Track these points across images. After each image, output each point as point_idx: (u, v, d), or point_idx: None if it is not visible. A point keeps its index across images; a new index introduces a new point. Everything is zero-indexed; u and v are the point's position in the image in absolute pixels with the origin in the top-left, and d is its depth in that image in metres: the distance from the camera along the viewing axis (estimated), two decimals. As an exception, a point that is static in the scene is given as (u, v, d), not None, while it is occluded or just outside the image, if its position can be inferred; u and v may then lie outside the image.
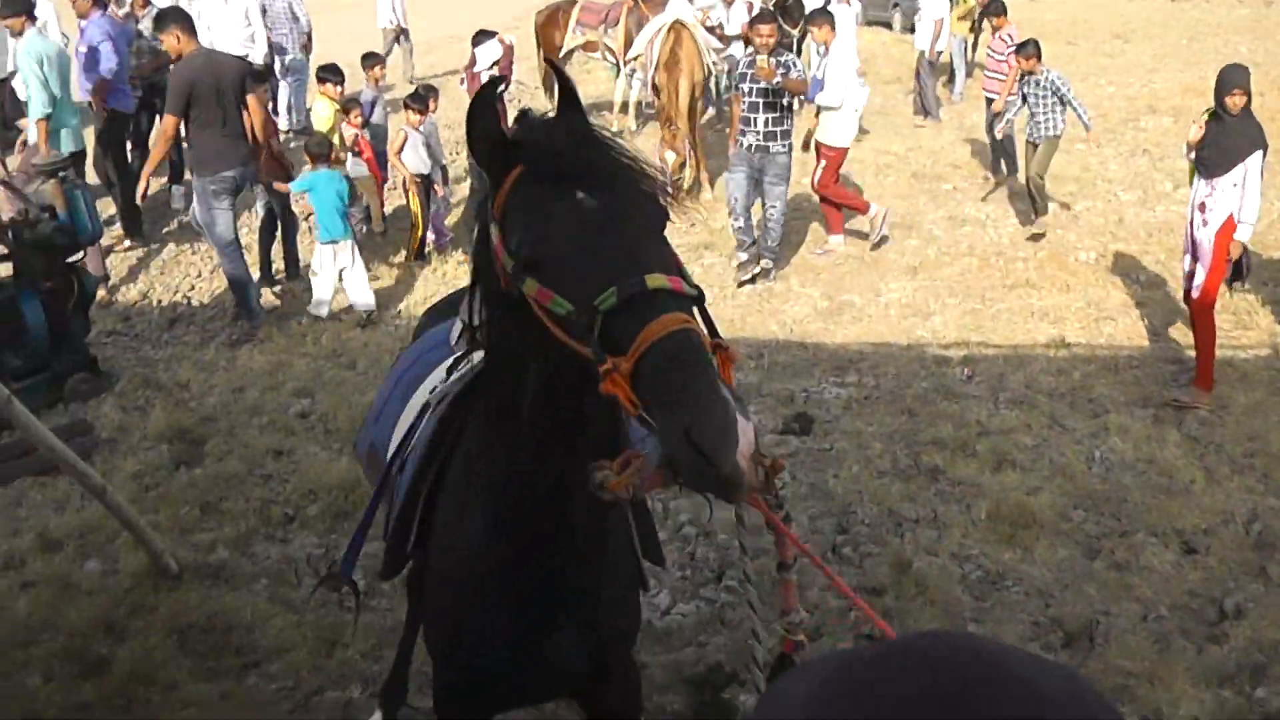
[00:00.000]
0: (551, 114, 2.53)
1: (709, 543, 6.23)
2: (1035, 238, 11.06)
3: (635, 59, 14.20)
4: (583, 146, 2.35)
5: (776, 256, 10.58)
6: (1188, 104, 11.06)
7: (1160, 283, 9.88)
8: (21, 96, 12.18)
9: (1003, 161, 12.95)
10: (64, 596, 5.96)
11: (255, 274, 10.59)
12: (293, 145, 12.17)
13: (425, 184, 11.59)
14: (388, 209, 12.68)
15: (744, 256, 10.41)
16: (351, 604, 5.36)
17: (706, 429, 1.98)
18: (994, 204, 12.21)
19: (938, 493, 6.69)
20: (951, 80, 17.38)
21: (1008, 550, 6.07)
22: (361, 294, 10.28)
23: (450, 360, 3.50)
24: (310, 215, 11.62)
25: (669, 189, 2.48)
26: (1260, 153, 7.69)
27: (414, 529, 3.16)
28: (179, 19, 9.50)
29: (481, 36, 11.48)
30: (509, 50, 11.48)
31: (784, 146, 10.15)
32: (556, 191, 2.27)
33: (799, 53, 14.07)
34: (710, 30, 13.23)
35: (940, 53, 16.35)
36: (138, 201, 11.15)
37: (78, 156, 10.68)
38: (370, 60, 12.57)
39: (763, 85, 9.87)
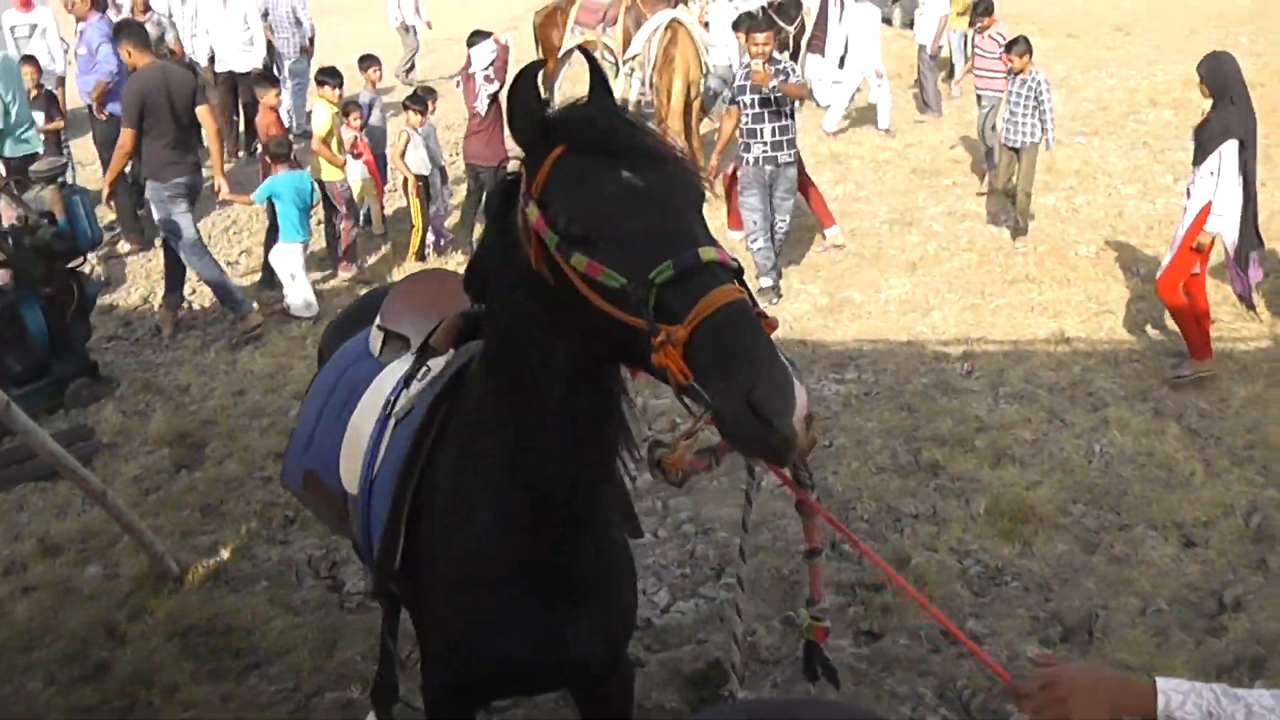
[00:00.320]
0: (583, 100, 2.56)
1: (708, 540, 6.24)
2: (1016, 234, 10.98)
3: (634, 58, 14.18)
4: (624, 126, 2.41)
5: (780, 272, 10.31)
6: (1188, 96, 11.03)
7: (1160, 276, 9.85)
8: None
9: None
10: (65, 601, 5.99)
11: (255, 277, 10.62)
12: (297, 148, 12.17)
13: (425, 185, 11.62)
14: (388, 210, 12.71)
15: (767, 282, 10.05)
16: (351, 605, 5.42)
17: (769, 390, 2.07)
18: (993, 199, 12.19)
19: (937, 488, 6.69)
20: (951, 75, 17.36)
21: (1007, 545, 6.07)
22: (304, 301, 10.45)
23: (399, 370, 3.45)
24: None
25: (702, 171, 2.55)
26: (1232, 142, 7.64)
27: (400, 543, 3.12)
28: (132, 33, 9.77)
29: (476, 37, 11.46)
30: (504, 50, 11.46)
31: (791, 156, 9.90)
32: (602, 169, 2.33)
33: (795, 54, 14.06)
34: (708, 28, 13.18)
35: (941, 47, 16.32)
36: (105, 205, 11.20)
37: (29, 160, 10.73)
38: (367, 62, 12.60)
39: (764, 95, 9.61)
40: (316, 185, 10.85)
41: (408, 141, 11.46)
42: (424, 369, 3.30)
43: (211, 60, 14.75)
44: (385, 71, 13.00)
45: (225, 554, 6.34)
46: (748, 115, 9.81)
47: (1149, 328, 8.85)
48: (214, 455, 7.68)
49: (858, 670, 5.08)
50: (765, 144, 9.78)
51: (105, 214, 11.74)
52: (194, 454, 7.73)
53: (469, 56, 11.44)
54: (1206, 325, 8.00)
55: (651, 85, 13.05)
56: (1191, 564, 5.88)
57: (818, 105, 15.41)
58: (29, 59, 13.32)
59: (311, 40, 16.48)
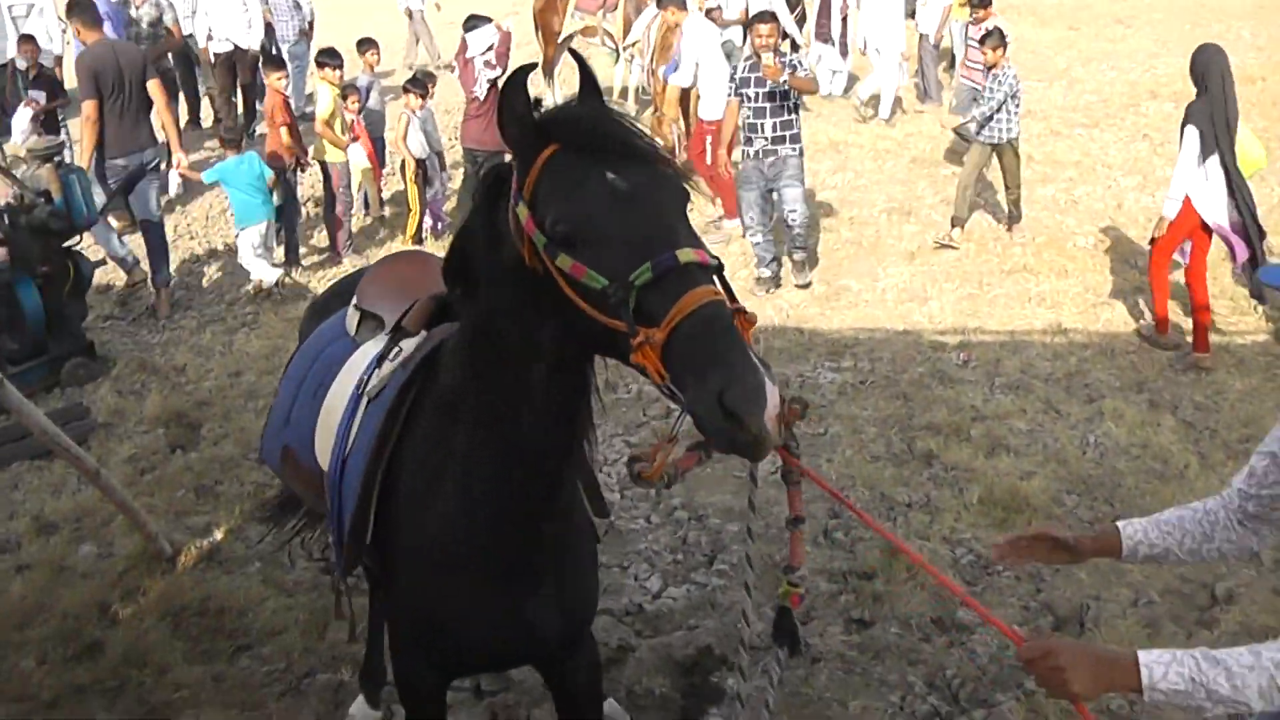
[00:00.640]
0: (574, 101, 2.63)
1: (700, 527, 6.24)
2: (942, 247, 10.66)
3: (634, 44, 14.18)
4: (612, 128, 2.47)
5: (813, 261, 10.04)
6: (1189, 89, 11.02)
7: (1158, 268, 9.85)
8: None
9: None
10: (59, 580, 5.99)
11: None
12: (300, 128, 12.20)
13: (423, 169, 11.61)
14: (386, 194, 12.70)
15: (766, 273, 10.00)
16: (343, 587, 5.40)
17: (739, 392, 2.13)
18: (991, 191, 12.17)
19: (931, 477, 6.69)
20: (952, 65, 17.32)
21: (1000, 534, 6.03)
22: (267, 272, 10.57)
23: (373, 350, 3.50)
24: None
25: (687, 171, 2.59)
26: (1191, 129, 8.01)
27: (371, 521, 3.18)
28: (82, 11, 9.93)
29: (474, 21, 11.42)
30: (506, 36, 11.42)
31: (794, 149, 9.66)
32: (590, 172, 2.39)
33: (794, 45, 13.99)
34: (709, 14, 13.12)
35: (943, 37, 16.28)
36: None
37: None
38: (365, 46, 12.57)
39: (769, 88, 9.42)
40: (315, 163, 10.89)
41: (409, 124, 11.44)
42: (396, 349, 3.37)
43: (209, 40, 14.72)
44: (384, 55, 12.95)
45: (219, 535, 6.34)
46: (750, 109, 9.64)
47: (1146, 320, 8.85)
48: (209, 436, 7.69)
49: (848, 658, 5.09)
50: (766, 138, 9.58)
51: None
52: (189, 434, 7.73)
53: (464, 40, 11.41)
54: (1205, 319, 8.03)
55: (651, 72, 13.03)
56: (1184, 556, 5.87)
57: (822, 97, 15.43)
58: (27, 38, 13.31)
59: (311, 24, 16.44)
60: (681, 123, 12.88)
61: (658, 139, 2.57)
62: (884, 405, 7.64)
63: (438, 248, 11.19)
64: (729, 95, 10.00)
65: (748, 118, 9.70)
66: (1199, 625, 5.31)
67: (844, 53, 15.96)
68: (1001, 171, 10.92)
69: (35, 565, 6.13)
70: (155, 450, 7.51)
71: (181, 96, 14.71)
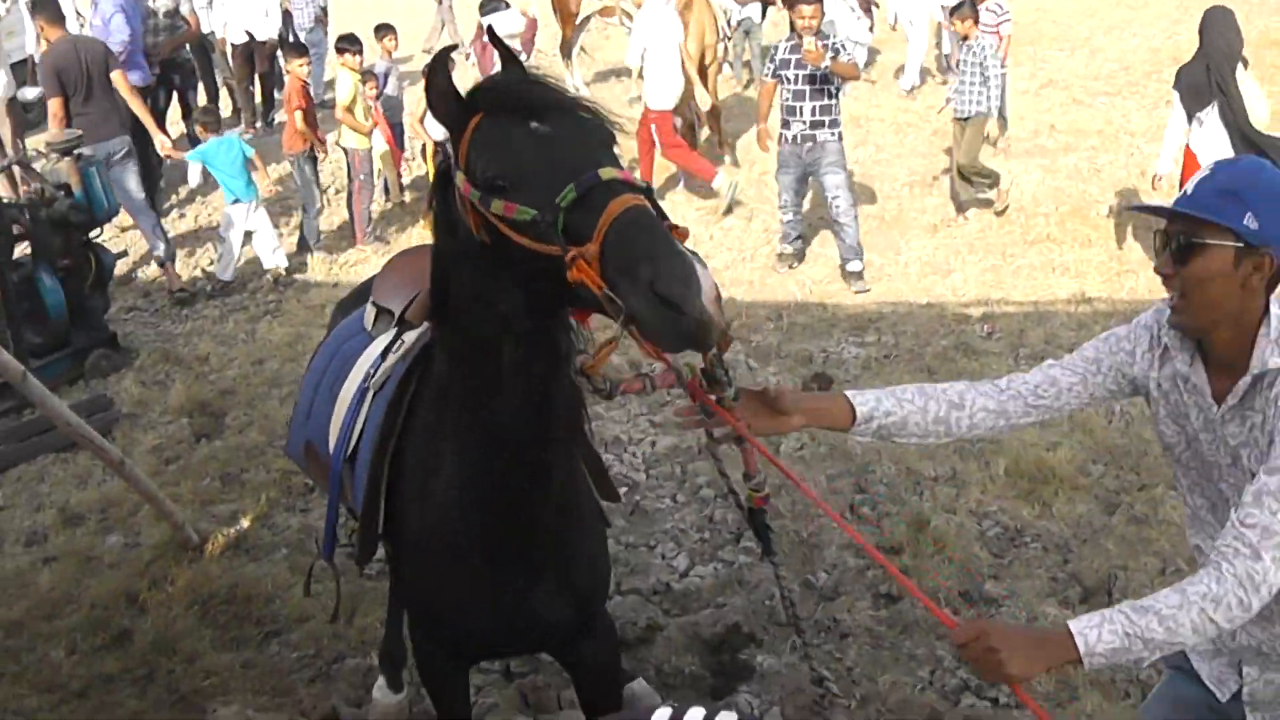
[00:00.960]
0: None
1: (726, 504, 6.22)
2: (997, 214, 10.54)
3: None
4: (531, 86, 2.58)
5: (860, 252, 9.60)
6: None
7: (1183, 234, 9.75)
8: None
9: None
10: (86, 570, 6.02)
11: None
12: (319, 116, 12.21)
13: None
14: (406, 179, 12.69)
15: (788, 249, 9.93)
16: (371, 574, 5.43)
17: (670, 278, 2.15)
18: (1014, 160, 12.09)
19: (956, 450, 6.64)
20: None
21: (1026, 506, 6.03)
22: (270, 256, 10.65)
23: (382, 343, 3.61)
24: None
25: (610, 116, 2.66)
26: (1175, 89, 8.57)
27: (381, 510, 3.25)
28: (45, 8, 10.26)
29: (491, 5, 11.37)
30: (532, 23, 11.38)
31: (833, 134, 9.36)
32: (513, 124, 2.47)
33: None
34: None
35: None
36: None
37: None
38: (382, 32, 12.53)
39: (809, 71, 9.11)
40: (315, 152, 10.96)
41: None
42: (399, 342, 3.48)
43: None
44: (401, 41, 12.92)
45: (245, 522, 6.36)
46: (788, 92, 9.33)
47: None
48: (233, 424, 7.71)
49: (876, 633, 5.07)
50: (805, 122, 9.28)
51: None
52: (214, 423, 7.75)
53: (480, 25, 11.37)
54: None
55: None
56: (1213, 524, 5.83)
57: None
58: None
59: (325, 10, 16.43)
60: (701, 100, 12.82)
61: (581, 96, 2.66)
62: (908, 379, 7.58)
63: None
64: (765, 76, 9.80)
65: (786, 100, 9.38)
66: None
67: (866, 8, 15.53)
68: (962, 146, 10.69)
69: (63, 556, 6.16)
70: (180, 440, 7.54)
71: (200, 87, 14.71)
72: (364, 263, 10.67)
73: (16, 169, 9.65)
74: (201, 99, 14.43)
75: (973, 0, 10.98)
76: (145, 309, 10.36)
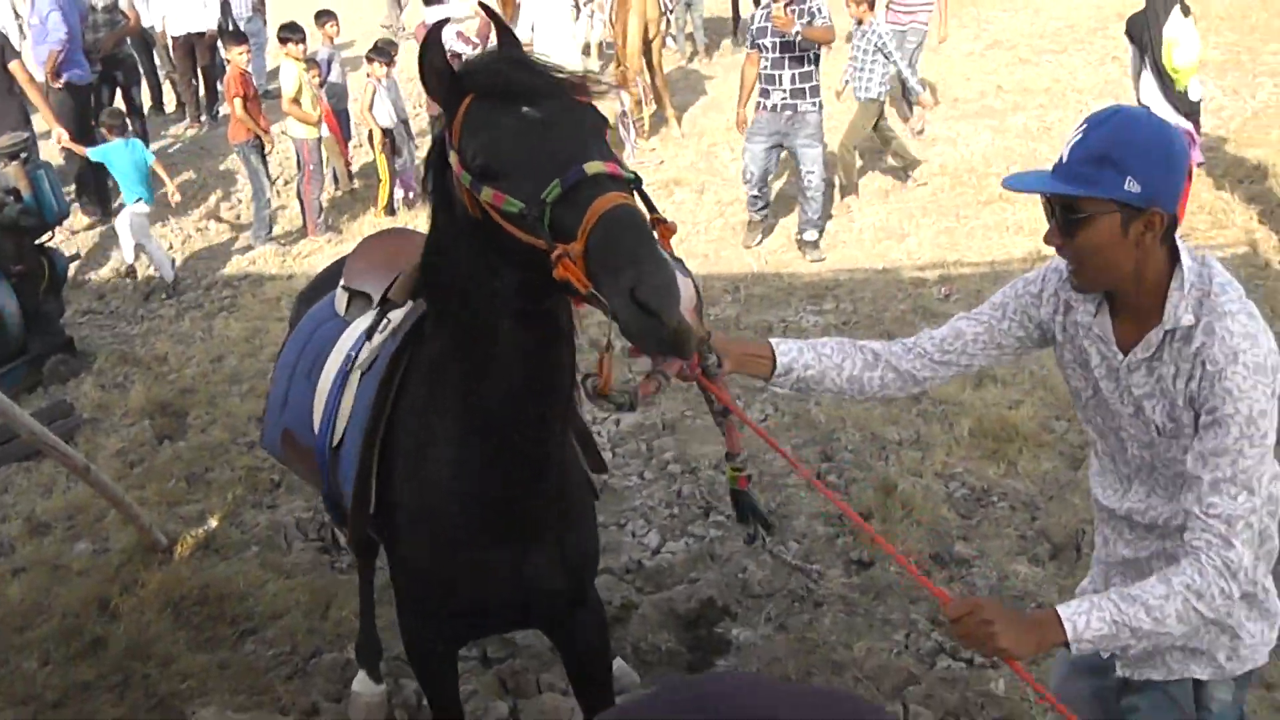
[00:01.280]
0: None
1: (694, 479, 6.25)
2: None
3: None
4: (522, 69, 2.56)
5: (822, 226, 9.69)
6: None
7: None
8: None
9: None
10: (56, 579, 5.96)
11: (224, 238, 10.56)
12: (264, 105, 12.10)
13: (391, 139, 11.52)
14: (355, 166, 12.61)
15: (755, 217, 9.91)
16: (342, 565, 5.42)
17: (650, 286, 2.16)
18: (964, 122, 12.14)
19: (920, 413, 6.70)
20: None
21: (992, 466, 6.09)
22: (162, 265, 10.56)
23: (362, 325, 3.62)
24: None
25: (603, 85, 2.70)
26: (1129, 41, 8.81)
27: (373, 487, 3.25)
28: None
29: (434, -7, 11.31)
30: (485, 25, 11.27)
31: (813, 104, 9.31)
32: (503, 108, 2.48)
33: None
34: None
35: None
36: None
37: None
38: (323, 18, 12.42)
39: (785, 39, 9.03)
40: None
41: (374, 94, 11.35)
42: (385, 321, 3.49)
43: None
44: (342, 26, 12.82)
45: (213, 522, 6.32)
46: (767, 60, 9.24)
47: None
48: (196, 424, 7.65)
49: (850, 600, 5.11)
50: (785, 90, 9.21)
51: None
52: (176, 423, 7.70)
53: (425, 14, 11.32)
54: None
55: (612, 25, 12.93)
56: (1176, 474, 5.89)
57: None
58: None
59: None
60: (646, 75, 12.82)
61: (574, 73, 2.62)
62: (869, 345, 7.63)
63: (410, 218, 11.14)
64: (746, 47, 9.75)
65: (765, 69, 9.30)
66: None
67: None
68: (847, 126, 10.59)
69: (31, 566, 6.09)
70: (143, 442, 7.48)
71: (144, 82, 14.54)
72: (317, 253, 10.62)
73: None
74: (145, 95, 14.29)
75: None
76: (101, 311, 10.28)
